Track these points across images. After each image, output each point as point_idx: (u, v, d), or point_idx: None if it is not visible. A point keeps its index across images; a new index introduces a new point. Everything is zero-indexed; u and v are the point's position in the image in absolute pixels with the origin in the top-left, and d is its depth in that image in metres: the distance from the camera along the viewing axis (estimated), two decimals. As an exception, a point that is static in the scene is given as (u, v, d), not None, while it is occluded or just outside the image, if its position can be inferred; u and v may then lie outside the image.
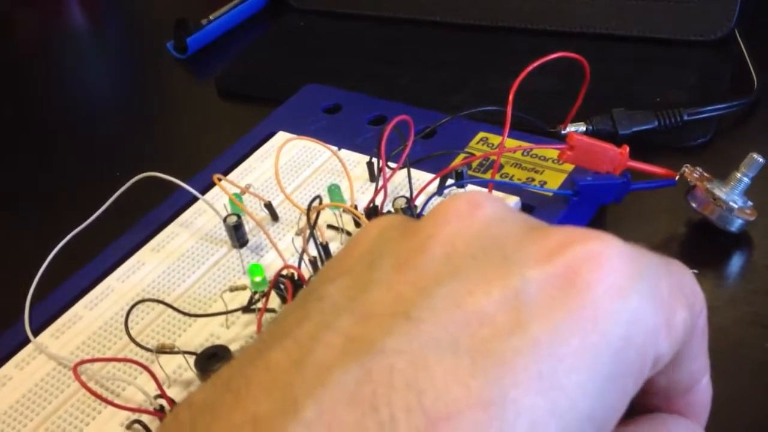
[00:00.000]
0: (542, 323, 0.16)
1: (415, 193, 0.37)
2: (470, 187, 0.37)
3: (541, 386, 0.15)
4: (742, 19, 0.50)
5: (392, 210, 0.36)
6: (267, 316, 0.33)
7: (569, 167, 0.39)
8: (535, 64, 0.37)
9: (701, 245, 0.38)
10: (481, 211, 0.19)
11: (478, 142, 0.42)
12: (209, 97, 0.54)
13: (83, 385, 0.29)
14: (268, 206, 0.39)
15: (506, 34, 0.54)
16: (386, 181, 0.36)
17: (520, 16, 0.54)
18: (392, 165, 0.38)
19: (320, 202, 0.35)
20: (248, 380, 0.16)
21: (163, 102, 0.56)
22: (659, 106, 0.45)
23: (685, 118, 0.43)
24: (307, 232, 0.34)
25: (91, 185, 0.48)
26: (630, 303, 0.16)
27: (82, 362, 0.30)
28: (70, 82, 0.61)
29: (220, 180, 0.37)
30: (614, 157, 0.37)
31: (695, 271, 0.36)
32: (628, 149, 0.37)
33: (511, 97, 0.37)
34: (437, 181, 0.38)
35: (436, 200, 0.37)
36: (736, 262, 0.38)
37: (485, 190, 0.37)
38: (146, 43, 0.63)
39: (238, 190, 0.38)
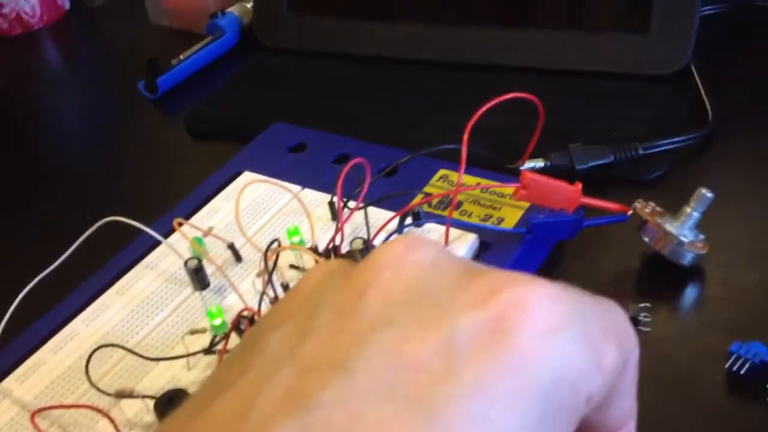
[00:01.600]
0: (473, 369, 0.16)
1: (373, 233, 0.38)
2: (409, 231, 0.38)
3: (474, 430, 0.16)
4: (698, 53, 0.51)
5: (351, 249, 0.37)
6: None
7: (526, 204, 0.40)
8: (488, 105, 0.38)
9: (654, 279, 0.39)
10: (415, 255, 0.19)
11: (438, 180, 0.43)
12: (179, 136, 0.55)
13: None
14: (231, 247, 0.39)
15: (466, 71, 0.55)
16: (342, 222, 0.37)
17: (479, 53, 0.55)
18: (352, 204, 0.38)
19: (279, 245, 0.35)
20: None
21: (134, 143, 0.57)
22: (616, 140, 0.46)
23: (641, 152, 0.44)
24: (266, 275, 0.34)
25: (60, 228, 0.48)
26: (558, 345, 0.17)
27: (40, 410, 0.31)
28: (41, 121, 0.61)
29: (180, 224, 0.38)
30: (567, 194, 0.38)
31: (647, 304, 0.37)
32: (580, 186, 0.38)
33: (465, 137, 0.38)
34: (396, 221, 0.39)
35: (394, 239, 0.38)
36: (689, 295, 0.38)
37: (420, 234, 0.37)
38: (119, 82, 0.64)
39: (200, 234, 0.39)
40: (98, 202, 0.50)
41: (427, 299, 0.18)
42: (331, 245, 0.38)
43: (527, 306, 0.17)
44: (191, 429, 0.17)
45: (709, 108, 0.48)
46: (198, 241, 0.37)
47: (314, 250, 0.38)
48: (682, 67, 0.51)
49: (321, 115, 0.53)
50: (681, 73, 0.51)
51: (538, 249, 0.39)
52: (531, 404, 0.16)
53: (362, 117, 0.53)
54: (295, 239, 0.37)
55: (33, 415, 0.30)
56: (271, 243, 0.35)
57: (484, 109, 0.38)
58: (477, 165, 0.42)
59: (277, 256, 0.35)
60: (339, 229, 0.36)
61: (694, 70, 0.51)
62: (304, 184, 0.44)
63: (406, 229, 0.38)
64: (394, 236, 0.38)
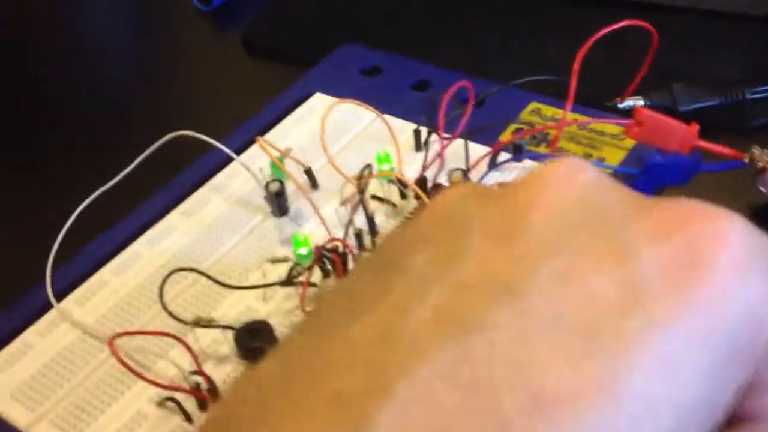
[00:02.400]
0: (661, 303, 0.15)
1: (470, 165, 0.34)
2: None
3: (657, 370, 0.14)
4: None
5: (452, 182, 0.34)
6: (309, 290, 0.31)
7: (629, 143, 0.37)
8: (603, 32, 0.34)
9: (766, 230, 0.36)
10: (583, 176, 0.17)
11: (530, 113, 0.40)
12: (235, 53, 0.51)
13: (120, 361, 0.27)
14: (308, 172, 0.36)
15: (555, 2, 0.51)
16: (443, 149, 0.33)
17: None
18: (445, 135, 0.35)
19: (370, 171, 0.32)
20: (326, 357, 0.15)
21: (187, 57, 0.53)
22: (719, 82, 0.42)
23: (748, 96, 0.41)
24: (356, 200, 0.31)
25: (113, 142, 0.45)
26: (749, 280, 0.16)
27: (118, 335, 0.28)
28: (87, 34, 0.58)
29: (259, 142, 0.34)
30: (683, 134, 0.34)
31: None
32: (697, 128, 0.35)
33: (576, 67, 0.34)
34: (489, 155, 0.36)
35: (491, 176, 0.35)
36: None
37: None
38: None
39: (277, 154, 0.36)
40: (152, 118, 0.47)
41: (601, 225, 0.16)
42: (421, 176, 0.34)
43: (724, 239, 0.16)
44: (321, 353, 0.15)
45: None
46: (281, 163, 0.34)
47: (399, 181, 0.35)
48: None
49: (392, 38, 0.49)
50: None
51: (644, 192, 0.35)
52: (719, 343, 0.15)
53: (441, 44, 0.49)
54: (385, 167, 0.34)
55: (111, 340, 0.27)
56: (364, 168, 0.32)
57: (597, 35, 0.34)
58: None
59: (366, 185, 0.32)
60: (440, 155, 0.33)
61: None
62: (382, 109, 0.40)
63: (503, 165, 0.35)
64: (509, 166, 0.35)
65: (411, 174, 0.36)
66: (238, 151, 0.38)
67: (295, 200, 0.35)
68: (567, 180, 0.17)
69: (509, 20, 0.51)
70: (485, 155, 0.35)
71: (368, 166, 0.33)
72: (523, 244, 0.16)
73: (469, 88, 0.34)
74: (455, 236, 0.16)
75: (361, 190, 0.31)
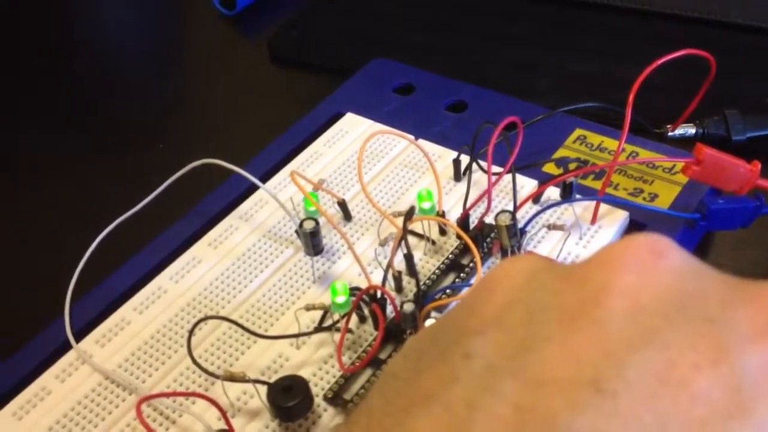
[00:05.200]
0: (765, 404, 0.14)
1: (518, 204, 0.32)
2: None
3: None
4: None
5: (497, 224, 0.31)
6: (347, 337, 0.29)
7: (684, 178, 0.35)
8: (662, 61, 0.32)
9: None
10: (667, 261, 0.16)
11: (575, 141, 0.38)
12: (261, 62, 0.49)
13: (145, 426, 0.25)
14: (342, 205, 0.34)
15: (593, 10, 0.49)
16: (491, 186, 0.31)
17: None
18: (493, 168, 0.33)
19: (412, 214, 0.30)
20: None
21: (208, 66, 0.51)
22: (771, 108, 0.40)
23: (805, 124, 0.39)
24: (396, 241, 0.29)
25: (133, 161, 0.43)
26: None
27: (146, 399, 0.26)
28: (106, 40, 0.55)
29: (294, 175, 0.32)
30: (744, 174, 0.32)
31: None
32: (759, 166, 0.32)
33: (631, 99, 0.32)
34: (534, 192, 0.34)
35: (540, 217, 0.33)
36: None
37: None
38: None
39: (310, 188, 0.34)
40: (174, 136, 0.45)
41: (693, 314, 0.15)
42: (464, 217, 0.32)
43: None
44: None
45: None
46: (313, 197, 0.32)
47: (442, 216, 0.33)
48: None
49: (426, 49, 0.47)
50: None
51: (693, 235, 0.33)
52: None
53: (474, 54, 0.46)
54: (426, 205, 0.32)
55: (139, 404, 0.25)
56: (410, 211, 0.30)
57: (655, 65, 0.32)
58: (615, 124, 0.37)
59: (408, 229, 0.30)
60: (486, 196, 0.31)
61: None
62: (416, 132, 0.38)
63: (552, 208, 0.33)
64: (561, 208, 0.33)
65: (450, 207, 0.34)
66: (266, 176, 0.36)
67: (327, 233, 0.33)
68: (650, 263, 0.16)
69: (543, 28, 0.48)
70: (532, 194, 0.33)
71: (412, 208, 0.31)
72: (606, 336, 0.14)
73: (519, 123, 0.32)
74: (525, 321, 0.15)
75: (404, 237, 0.29)
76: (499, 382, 0.14)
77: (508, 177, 0.34)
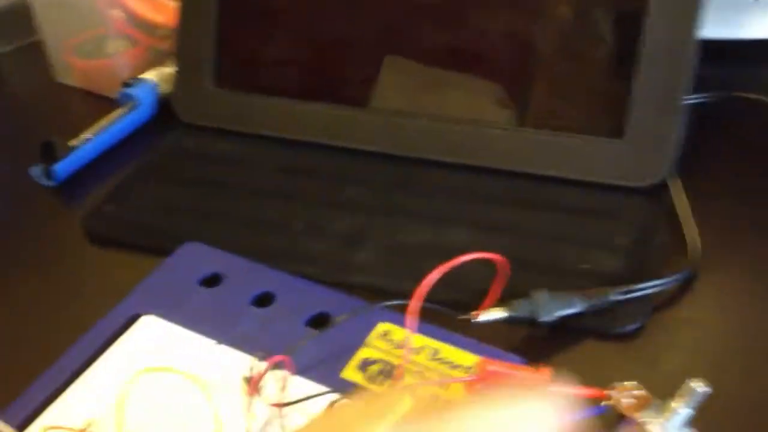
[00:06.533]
0: None
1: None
2: None
3: None
4: (681, 164, 0.45)
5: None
6: None
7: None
8: (440, 271, 0.31)
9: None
10: None
11: (379, 338, 0.36)
12: (77, 239, 0.46)
13: None
14: (116, 444, 0.32)
15: (418, 167, 0.48)
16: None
17: (434, 148, 0.48)
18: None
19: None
20: None
21: (19, 242, 0.48)
22: (586, 275, 0.39)
23: (613, 298, 0.38)
24: None
25: None
26: None
27: None
28: None
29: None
30: (534, 382, 0.31)
31: None
32: (549, 372, 0.31)
33: (423, 292, 0.31)
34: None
35: None
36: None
37: None
38: (11, 152, 0.55)
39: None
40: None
41: None
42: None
43: None
44: None
45: (688, 238, 0.41)
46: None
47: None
48: (661, 179, 0.44)
49: (241, 221, 0.45)
50: (659, 185, 0.45)
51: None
52: None
53: (291, 224, 0.45)
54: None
55: None
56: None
57: (434, 277, 0.31)
58: (423, 315, 0.35)
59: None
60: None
61: (672, 184, 0.44)
62: (218, 333, 0.37)
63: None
64: None
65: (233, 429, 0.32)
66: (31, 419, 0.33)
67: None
68: None
69: (368, 189, 0.47)
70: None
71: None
72: None
73: (287, 363, 0.30)
74: None
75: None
76: None
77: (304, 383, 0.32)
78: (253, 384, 0.30)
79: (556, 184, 0.46)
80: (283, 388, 0.31)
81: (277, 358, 0.30)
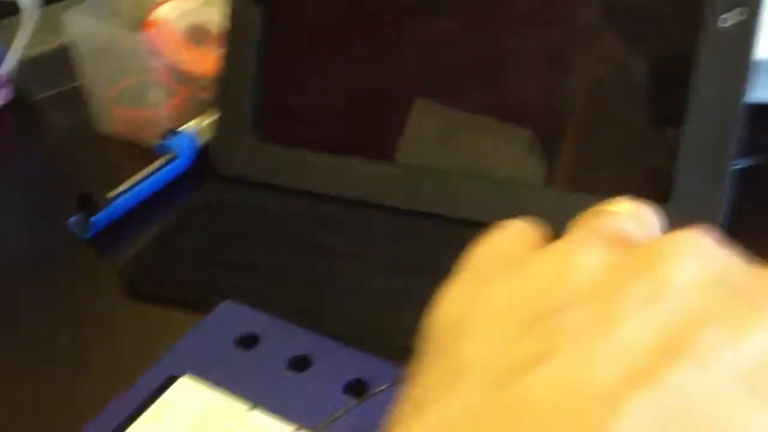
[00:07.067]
0: None
1: None
2: None
3: None
4: (728, 232, 0.43)
5: None
6: None
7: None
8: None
9: None
10: (718, 250, 0.18)
11: (418, 408, 0.35)
12: (113, 292, 0.46)
13: None
14: None
15: (466, 227, 0.47)
16: None
17: (469, 208, 0.47)
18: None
19: None
20: (521, 404, 0.15)
21: (55, 295, 0.47)
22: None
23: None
24: None
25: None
26: None
27: None
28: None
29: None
30: None
31: None
32: None
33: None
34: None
35: None
36: None
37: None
38: (46, 202, 0.55)
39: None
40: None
41: (744, 295, 0.17)
42: None
43: None
44: (507, 403, 0.16)
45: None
46: None
47: None
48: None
49: (281, 276, 0.45)
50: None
51: None
52: None
53: (333, 283, 0.44)
54: None
55: None
56: None
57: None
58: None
59: None
60: None
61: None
62: (254, 398, 0.36)
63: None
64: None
65: None
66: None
67: None
68: (703, 251, 0.17)
69: (412, 249, 0.47)
70: None
71: None
72: (682, 310, 0.16)
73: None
74: (605, 303, 0.17)
75: None
76: (597, 349, 0.16)
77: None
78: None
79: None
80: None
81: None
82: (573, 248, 0.19)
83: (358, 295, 0.44)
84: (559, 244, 0.19)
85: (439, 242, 0.47)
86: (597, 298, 0.17)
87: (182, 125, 0.55)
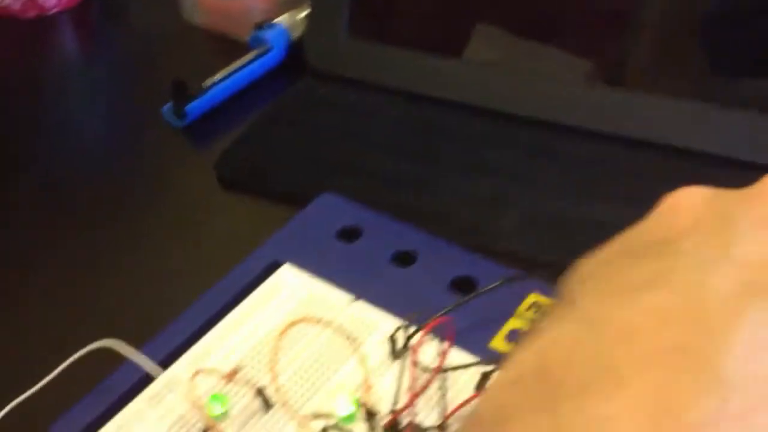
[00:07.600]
0: None
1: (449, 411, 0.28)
2: None
3: None
4: None
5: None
6: None
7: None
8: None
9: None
10: None
11: (528, 308, 0.34)
12: (206, 180, 0.45)
13: None
14: (260, 393, 0.30)
15: (566, 135, 0.45)
16: (414, 397, 0.27)
17: (585, 116, 0.45)
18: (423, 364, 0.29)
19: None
20: (631, 321, 0.16)
21: (150, 184, 0.47)
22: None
23: None
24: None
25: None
26: None
27: None
28: (43, 131, 0.52)
29: (198, 373, 0.29)
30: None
31: None
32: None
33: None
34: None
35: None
36: None
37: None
38: (138, 90, 0.54)
39: (222, 380, 0.30)
40: (101, 271, 0.41)
41: None
42: (393, 420, 0.28)
43: None
44: (629, 316, 0.16)
45: None
46: (218, 399, 0.28)
47: (369, 413, 0.29)
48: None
49: (377, 176, 0.43)
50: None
51: None
52: None
53: (431, 185, 0.43)
54: (347, 410, 0.28)
55: None
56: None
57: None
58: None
59: None
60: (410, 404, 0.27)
61: None
62: (357, 290, 0.35)
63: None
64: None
65: (382, 396, 0.30)
66: (179, 353, 0.32)
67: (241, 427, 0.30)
68: None
69: (511, 155, 0.45)
70: (465, 403, 0.29)
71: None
72: None
73: (449, 325, 0.28)
74: (720, 228, 0.17)
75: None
76: (717, 268, 0.16)
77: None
78: (414, 348, 0.28)
79: (715, 162, 0.42)
80: (442, 353, 0.29)
81: (439, 320, 0.28)
82: (683, 190, 0.19)
83: (459, 197, 0.42)
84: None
85: (534, 149, 0.45)
86: (712, 223, 0.18)
87: (275, 18, 0.53)
